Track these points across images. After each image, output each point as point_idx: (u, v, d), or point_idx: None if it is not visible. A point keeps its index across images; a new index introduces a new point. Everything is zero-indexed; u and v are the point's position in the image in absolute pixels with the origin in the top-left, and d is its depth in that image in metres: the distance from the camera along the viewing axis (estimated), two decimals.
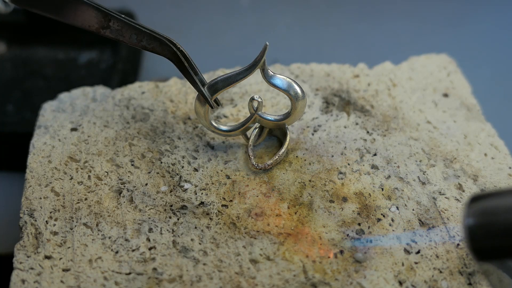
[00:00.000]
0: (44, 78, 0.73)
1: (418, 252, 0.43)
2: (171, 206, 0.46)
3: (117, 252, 0.43)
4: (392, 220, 0.45)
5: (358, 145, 0.50)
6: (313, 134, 0.51)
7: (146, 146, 0.50)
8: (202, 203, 0.46)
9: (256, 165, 0.47)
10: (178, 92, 0.55)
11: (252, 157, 0.48)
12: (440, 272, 0.42)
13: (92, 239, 0.44)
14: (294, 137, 0.51)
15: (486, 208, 0.31)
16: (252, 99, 0.48)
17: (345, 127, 0.52)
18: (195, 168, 0.48)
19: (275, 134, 0.51)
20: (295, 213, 0.45)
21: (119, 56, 0.71)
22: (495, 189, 0.31)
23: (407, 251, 0.43)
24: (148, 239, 0.44)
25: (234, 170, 0.48)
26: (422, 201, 0.46)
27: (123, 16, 0.46)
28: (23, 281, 0.42)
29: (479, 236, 0.31)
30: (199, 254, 0.43)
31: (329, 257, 0.42)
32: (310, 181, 0.48)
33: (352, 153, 0.50)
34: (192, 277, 0.42)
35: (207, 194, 0.47)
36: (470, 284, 0.42)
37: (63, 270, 0.42)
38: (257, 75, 0.49)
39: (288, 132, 0.49)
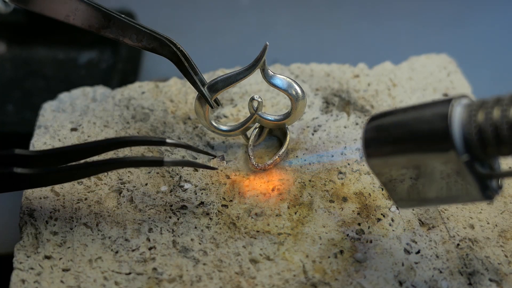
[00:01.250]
0: (44, 78, 0.73)
1: (418, 252, 0.43)
2: (171, 206, 0.46)
3: (117, 252, 0.43)
4: (392, 220, 0.45)
5: (358, 145, 0.50)
6: (313, 134, 0.51)
7: (146, 146, 0.50)
8: (202, 203, 0.46)
9: (256, 165, 0.47)
10: (178, 92, 0.55)
11: (252, 157, 0.48)
12: (440, 272, 0.42)
13: (92, 239, 0.44)
14: (294, 137, 0.51)
15: (379, 125, 0.38)
16: (252, 99, 0.48)
17: (345, 127, 0.52)
18: (195, 168, 0.48)
19: (275, 134, 0.51)
20: (295, 213, 0.45)
21: (119, 56, 0.71)
22: (390, 109, 0.40)
23: (407, 251, 0.43)
24: (148, 239, 0.44)
25: (234, 170, 0.48)
26: None
27: (123, 16, 0.46)
28: (23, 281, 0.42)
29: (372, 147, 0.38)
30: (199, 254, 0.43)
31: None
32: (310, 181, 0.48)
33: (352, 153, 0.50)
34: (192, 277, 0.42)
35: (207, 194, 0.47)
36: (470, 284, 0.42)
37: (63, 270, 0.42)
38: (257, 75, 0.49)
39: (288, 132, 0.49)
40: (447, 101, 0.35)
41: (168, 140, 0.43)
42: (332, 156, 0.49)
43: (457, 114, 0.34)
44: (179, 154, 0.49)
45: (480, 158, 0.35)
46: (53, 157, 0.42)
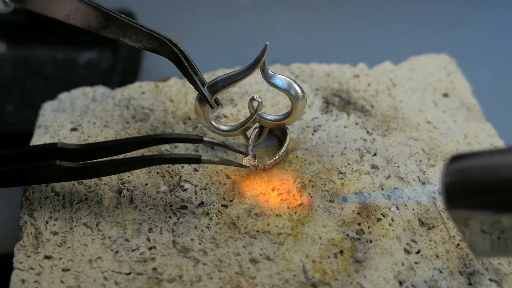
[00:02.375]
0: (44, 78, 0.73)
1: (418, 252, 0.43)
2: (171, 206, 0.46)
3: (117, 252, 0.43)
4: (392, 220, 0.45)
5: (358, 145, 0.50)
6: (313, 134, 0.51)
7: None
8: (202, 203, 0.46)
9: (256, 165, 0.47)
10: (178, 92, 0.55)
11: (251, 153, 0.48)
12: (440, 272, 0.42)
13: (92, 239, 0.44)
14: (294, 137, 0.51)
15: (463, 167, 0.33)
16: (252, 99, 0.48)
17: (345, 127, 0.52)
18: (195, 168, 0.48)
19: (275, 134, 0.51)
20: (295, 213, 0.45)
21: (119, 56, 0.71)
22: (473, 150, 0.33)
23: (407, 251, 0.43)
24: (148, 239, 0.44)
25: (234, 170, 0.48)
26: (422, 201, 0.46)
27: (123, 16, 0.46)
28: (23, 281, 0.42)
29: (455, 193, 0.33)
30: (199, 254, 0.43)
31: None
32: (310, 181, 0.48)
33: (352, 153, 0.50)
34: (192, 277, 0.42)
35: (207, 194, 0.47)
36: (470, 284, 0.42)
37: (63, 270, 0.42)
38: (257, 75, 0.49)
39: (288, 132, 0.49)
40: None
41: (205, 138, 0.45)
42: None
43: None
44: (179, 153, 0.49)
45: None
46: (94, 151, 0.44)
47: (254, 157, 0.47)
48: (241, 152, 0.47)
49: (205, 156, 0.44)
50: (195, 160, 0.44)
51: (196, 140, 0.45)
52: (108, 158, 0.45)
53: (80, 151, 0.44)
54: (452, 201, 0.33)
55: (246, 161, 0.47)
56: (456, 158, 0.34)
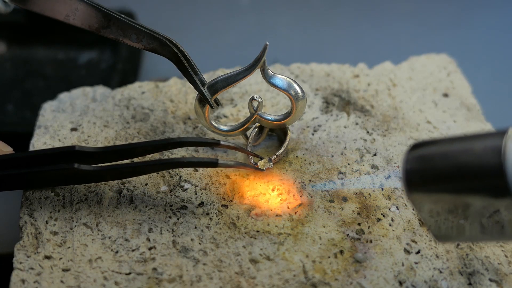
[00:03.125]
0: (44, 78, 0.73)
1: (418, 252, 0.43)
2: (171, 206, 0.46)
3: (117, 252, 0.43)
4: (392, 220, 0.45)
5: (358, 145, 0.50)
6: (313, 134, 0.51)
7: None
8: (202, 203, 0.46)
9: (254, 163, 0.47)
10: (178, 92, 0.55)
11: (250, 152, 0.48)
12: (440, 272, 0.42)
13: (92, 239, 0.44)
14: (294, 137, 0.51)
15: (423, 154, 0.34)
16: (252, 99, 0.48)
17: (345, 127, 0.52)
18: (195, 168, 0.48)
19: (276, 133, 0.51)
20: (295, 213, 0.45)
21: (119, 56, 0.71)
22: (434, 138, 0.36)
23: (407, 251, 0.43)
24: (148, 239, 0.44)
25: (234, 170, 0.48)
26: None
27: (123, 16, 0.46)
28: (23, 281, 0.42)
29: (415, 178, 0.34)
30: (199, 254, 0.43)
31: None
32: (310, 181, 0.47)
33: (352, 153, 0.50)
34: (192, 277, 0.42)
35: (207, 194, 0.47)
36: (470, 284, 0.42)
37: (63, 270, 0.42)
38: (257, 75, 0.49)
39: (288, 132, 0.49)
40: (501, 133, 0.32)
41: (222, 142, 0.45)
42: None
43: None
44: (179, 154, 0.49)
45: None
46: (113, 154, 0.45)
47: (270, 160, 0.47)
48: (257, 156, 0.48)
49: (222, 160, 0.44)
50: (212, 164, 0.44)
51: (213, 143, 0.45)
52: (128, 160, 0.46)
53: (98, 154, 0.44)
54: (411, 186, 0.34)
55: (261, 164, 0.47)
56: (417, 146, 0.35)
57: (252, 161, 0.48)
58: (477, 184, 0.32)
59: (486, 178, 0.32)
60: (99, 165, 0.44)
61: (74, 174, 0.44)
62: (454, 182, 0.33)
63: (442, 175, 0.33)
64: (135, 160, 0.48)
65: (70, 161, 0.44)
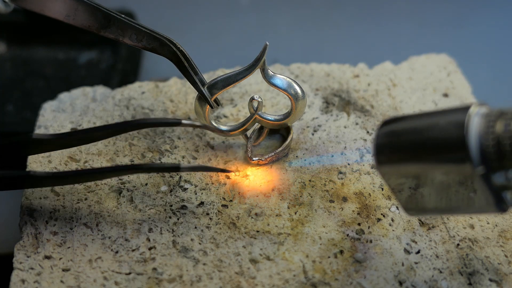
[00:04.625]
0: (44, 78, 0.73)
1: (418, 252, 0.43)
2: (171, 206, 0.46)
3: (117, 252, 0.43)
4: (392, 220, 0.45)
5: (358, 145, 0.50)
6: (313, 134, 0.51)
7: (146, 146, 0.50)
8: (202, 203, 0.46)
9: (251, 158, 0.47)
10: (178, 92, 0.55)
11: (250, 150, 0.48)
12: (440, 272, 0.42)
13: (92, 239, 0.44)
14: (294, 137, 0.51)
15: (393, 130, 0.36)
16: (252, 99, 0.48)
17: (345, 127, 0.52)
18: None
19: (280, 132, 0.51)
20: (295, 213, 0.45)
21: (119, 56, 0.71)
22: (404, 114, 0.38)
23: (407, 251, 0.43)
24: (148, 239, 0.44)
25: (234, 170, 0.48)
26: None
27: (123, 16, 0.46)
28: (23, 281, 0.42)
29: (385, 152, 0.36)
30: (199, 254, 0.43)
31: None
32: (310, 181, 0.47)
33: (352, 153, 0.50)
34: (192, 277, 0.42)
35: (207, 194, 0.47)
36: (470, 284, 0.42)
37: (63, 270, 0.42)
38: (257, 75, 0.49)
39: (291, 131, 0.49)
40: (464, 109, 0.33)
41: (183, 121, 0.43)
42: (332, 156, 0.49)
43: (474, 124, 0.33)
44: (179, 154, 0.49)
45: (496, 170, 0.33)
46: (73, 139, 0.44)
47: (267, 157, 0.48)
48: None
49: (184, 164, 0.44)
50: (175, 168, 0.44)
51: (174, 123, 0.44)
52: (89, 167, 0.46)
53: (55, 141, 0.43)
54: (380, 159, 0.36)
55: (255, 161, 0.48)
56: (387, 122, 0.37)
57: (250, 155, 0.48)
58: (442, 157, 0.34)
59: (450, 151, 0.33)
60: (52, 171, 0.44)
61: (29, 179, 0.43)
62: (420, 155, 0.35)
63: (409, 148, 0.35)
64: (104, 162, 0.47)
65: (25, 150, 0.43)
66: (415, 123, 0.36)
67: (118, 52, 0.72)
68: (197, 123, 0.45)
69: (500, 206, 0.34)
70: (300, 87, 0.47)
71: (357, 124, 0.52)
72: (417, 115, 0.36)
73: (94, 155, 0.49)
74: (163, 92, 0.55)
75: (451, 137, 0.33)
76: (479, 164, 0.33)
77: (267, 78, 0.47)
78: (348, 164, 0.49)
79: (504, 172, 0.34)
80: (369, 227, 0.45)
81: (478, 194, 0.34)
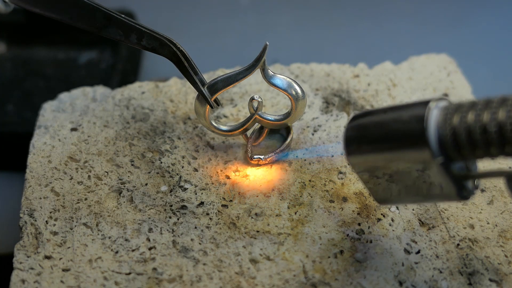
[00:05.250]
0: (44, 78, 0.73)
1: (418, 252, 0.43)
2: (171, 206, 0.46)
3: (117, 252, 0.43)
4: (392, 220, 0.45)
5: None
6: (313, 134, 0.51)
7: (146, 146, 0.50)
8: (202, 203, 0.46)
9: (250, 157, 0.47)
10: (178, 92, 0.55)
11: (250, 149, 0.48)
12: (440, 272, 0.42)
13: (92, 239, 0.44)
14: (294, 137, 0.51)
15: (361, 123, 0.38)
16: (252, 99, 0.48)
17: (345, 127, 0.52)
18: (195, 168, 0.48)
19: (280, 132, 0.51)
20: (295, 213, 0.45)
21: (119, 56, 0.71)
22: (372, 109, 0.41)
23: (407, 251, 0.43)
24: (148, 239, 0.44)
25: (234, 170, 0.48)
26: None
27: (123, 16, 0.46)
28: (23, 281, 0.42)
29: (353, 144, 0.39)
30: (199, 254, 0.43)
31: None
32: (310, 181, 0.48)
33: None
34: (192, 277, 0.42)
35: (207, 194, 0.47)
36: (470, 284, 0.42)
37: (63, 270, 0.42)
38: (257, 75, 0.49)
39: (291, 131, 0.49)
40: (424, 103, 0.35)
41: None
42: (332, 156, 0.49)
43: (434, 116, 0.35)
44: (179, 154, 0.49)
45: (455, 159, 0.35)
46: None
47: (269, 156, 0.48)
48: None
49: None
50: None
51: None
52: None
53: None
54: (349, 151, 0.39)
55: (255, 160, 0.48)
56: (356, 117, 0.39)
57: (249, 154, 0.48)
58: (404, 148, 0.36)
59: (412, 142, 0.35)
60: None
61: None
62: (385, 147, 0.37)
63: (375, 141, 0.38)
64: None
65: None
66: (381, 117, 0.38)
67: (118, 52, 0.72)
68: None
69: (461, 194, 0.36)
70: (300, 87, 0.47)
71: None
72: (383, 109, 0.38)
73: (94, 155, 0.49)
74: (163, 92, 0.55)
75: (412, 129, 0.35)
76: (439, 155, 0.35)
77: (267, 78, 0.47)
78: (348, 164, 0.49)
79: (464, 162, 0.36)
80: (369, 227, 0.45)
81: (440, 183, 0.36)
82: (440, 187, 0.36)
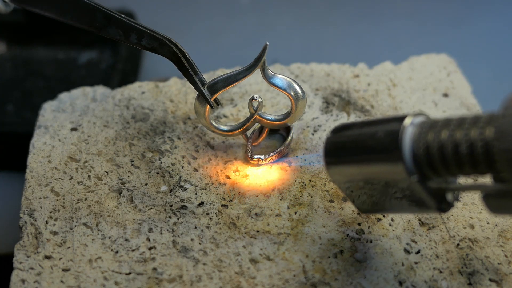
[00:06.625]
0: (44, 78, 0.73)
1: (418, 252, 0.43)
2: (171, 206, 0.46)
3: (117, 252, 0.43)
4: (392, 220, 0.45)
5: None
6: (313, 134, 0.51)
7: (146, 146, 0.50)
8: (202, 203, 0.46)
9: (250, 157, 0.47)
10: (178, 92, 0.55)
11: (250, 150, 0.48)
12: (440, 272, 0.42)
13: (92, 239, 0.44)
14: (294, 137, 0.51)
15: (338, 138, 0.39)
16: (252, 99, 0.48)
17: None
18: (195, 168, 0.48)
19: (280, 132, 0.51)
20: (295, 213, 0.45)
21: (119, 56, 0.71)
22: (350, 122, 0.42)
23: (407, 251, 0.43)
24: (148, 239, 0.44)
25: (234, 170, 0.48)
26: None
27: (123, 16, 0.46)
28: (23, 281, 0.42)
29: (331, 156, 0.39)
30: (199, 254, 0.43)
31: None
32: (310, 181, 0.48)
33: None
34: (192, 277, 0.42)
35: (207, 194, 0.47)
36: (470, 284, 0.42)
37: (63, 270, 0.42)
38: (257, 75, 0.49)
39: (291, 132, 0.49)
40: (400, 119, 0.35)
41: None
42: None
43: (408, 134, 0.35)
44: (179, 154, 0.49)
45: (430, 177, 0.35)
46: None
47: (269, 156, 0.48)
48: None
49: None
50: None
51: None
52: None
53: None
54: (329, 164, 0.39)
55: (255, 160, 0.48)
56: (335, 130, 0.40)
57: (249, 154, 0.48)
58: (380, 165, 0.36)
59: (386, 160, 0.36)
60: None
61: None
62: (362, 163, 0.37)
63: (352, 156, 0.38)
64: None
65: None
66: (358, 131, 0.38)
67: (118, 52, 0.72)
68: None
69: (440, 206, 0.36)
70: (300, 87, 0.47)
71: None
72: (361, 123, 0.39)
73: (94, 155, 0.49)
74: (163, 92, 0.55)
75: (387, 147, 0.35)
76: (414, 172, 0.35)
77: (267, 78, 0.47)
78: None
79: (440, 177, 0.36)
80: (369, 227, 0.45)
81: (419, 197, 0.36)
82: (420, 200, 0.36)
